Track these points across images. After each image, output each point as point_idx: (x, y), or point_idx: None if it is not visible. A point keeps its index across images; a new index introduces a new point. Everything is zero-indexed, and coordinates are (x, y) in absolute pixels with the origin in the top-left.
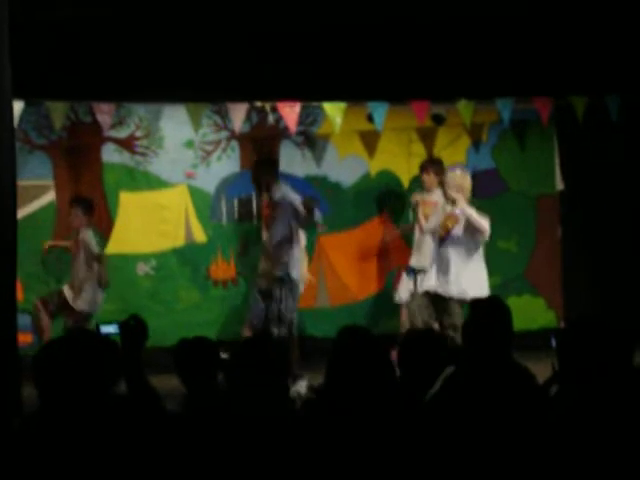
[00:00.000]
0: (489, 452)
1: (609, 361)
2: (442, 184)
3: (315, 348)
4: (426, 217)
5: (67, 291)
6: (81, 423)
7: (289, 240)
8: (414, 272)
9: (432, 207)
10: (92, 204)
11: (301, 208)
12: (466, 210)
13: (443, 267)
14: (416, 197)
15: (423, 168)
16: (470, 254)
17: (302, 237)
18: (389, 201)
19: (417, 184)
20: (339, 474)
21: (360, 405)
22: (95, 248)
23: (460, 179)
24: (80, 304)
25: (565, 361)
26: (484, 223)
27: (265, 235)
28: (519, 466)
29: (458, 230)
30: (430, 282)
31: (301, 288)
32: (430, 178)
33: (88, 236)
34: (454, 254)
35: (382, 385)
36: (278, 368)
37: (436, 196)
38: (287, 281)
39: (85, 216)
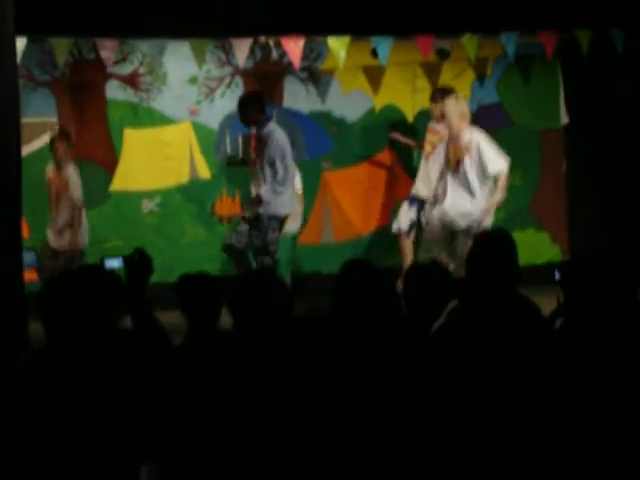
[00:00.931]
0: (494, 383)
1: (614, 294)
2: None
3: (320, 284)
4: (431, 145)
5: (50, 234)
6: (87, 357)
7: (274, 177)
8: (417, 202)
9: (438, 136)
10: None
11: (287, 145)
12: (474, 138)
13: (455, 198)
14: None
15: (433, 97)
16: (482, 185)
17: (295, 176)
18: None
19: (421, 119)
20: (344, 402)
21: (365, 337)
22: (80, 194)
23: (461, 106)
24: (63, 243)
25: (570, 294)
26: (492, 157)
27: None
28: (524, 398)
29: (468, 160)
30: (442, 214)
31: (294, 225)
32: (439, 107)
33: (74, 175)
34: (464, 186)
35: (386, 317)
36: (279, 296)
37: (444, 127)
38: (272, 217)
39: (69, 151)
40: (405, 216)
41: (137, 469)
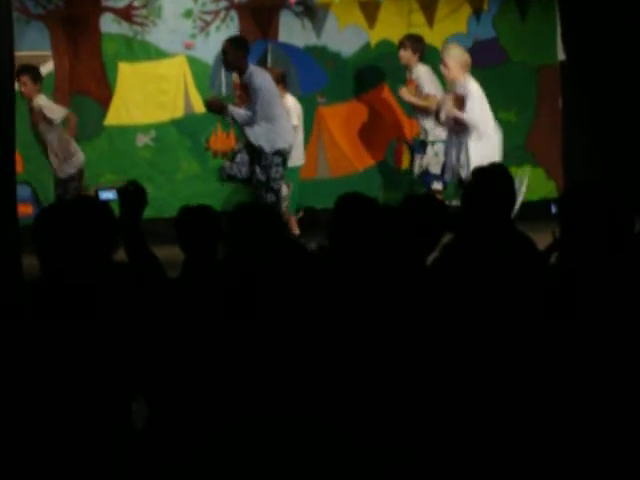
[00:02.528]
0: (489, 317)
1: (610, 228)
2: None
3: (314, 220)
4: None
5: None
6: (81, 289)
7: (257, 120)
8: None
9: (413, 86)
10: (39, 71)
11: (265, 85)
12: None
13: (462, 152)
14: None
15: (401, 44)
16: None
17: (293, 110)
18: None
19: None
20: (339, 333)
21: (360, 269)
22: (54, 113)
23: (465, 56)
24: (67, 168)
25: (566, 226)
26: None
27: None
28: (520, 332)
29: (470, 108)
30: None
31: (299, 157)
32: (407, 54)
33: (43, 101)
34: (469, 136)
35: (383, 248)
36: (276, 228)
37: (415, 74)
38: (275, 152)
39: (35, 84)
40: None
41: (129, 404)
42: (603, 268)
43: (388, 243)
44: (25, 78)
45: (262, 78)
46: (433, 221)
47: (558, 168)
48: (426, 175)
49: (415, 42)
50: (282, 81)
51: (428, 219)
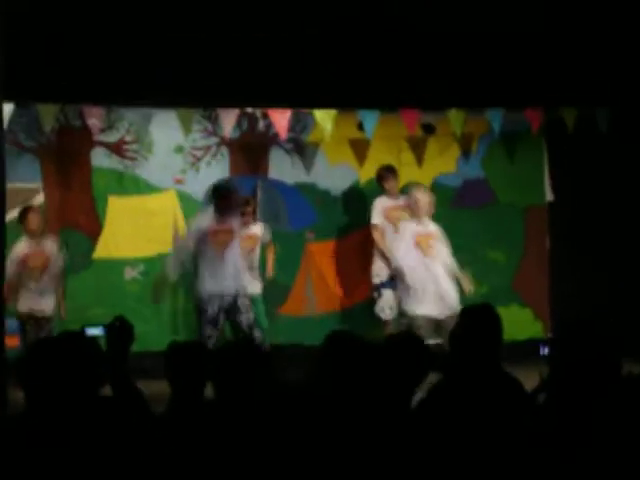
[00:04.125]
0: (478, 458)
1: (599, 368)
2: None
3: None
4: (398, 220)
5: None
6: (67, 424)
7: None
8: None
9: (399, 212)
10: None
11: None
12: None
13: (435, 287)
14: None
15: (381, 176)
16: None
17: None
18: None
19: (406, 193)
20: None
21: (346, 407)
22: (60, 267)
23: (430, 196)
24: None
25: (556, 367)
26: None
27: None
28: (508, 473)
29: (440, 246)
30: (429, 306)
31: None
32: (396, 184)
33: (56, 250)
34: (441, 271)
35: (368, 389)
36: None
37: (402, 201)
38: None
39: (44, 222)
40: (387, 303)
41: None
42: (591, 410)
43: (374, 381)
44: (34, 216)
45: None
46: (415, 360)
47: (545, 308)
48: None
49: (395, 172)
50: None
51: (409, 358)
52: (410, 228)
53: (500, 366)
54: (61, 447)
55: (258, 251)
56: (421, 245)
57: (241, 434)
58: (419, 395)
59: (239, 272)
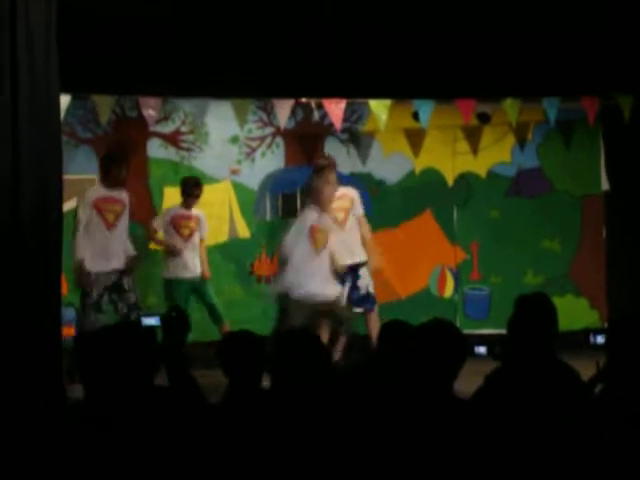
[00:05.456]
0: (535, 448)
1: None
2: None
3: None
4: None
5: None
6: (124, 414)
7: None
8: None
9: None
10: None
11: None
12: None
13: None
14: None
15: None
16: None
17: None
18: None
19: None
20: (383, 463)
21: (400, 395)
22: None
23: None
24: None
25: (613, 357)
26: None
27: None
28: (564, 461)
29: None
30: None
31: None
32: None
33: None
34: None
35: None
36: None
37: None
38: None
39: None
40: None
41: None
42: None
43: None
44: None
45: None
46: (448, 348)
47: (602, 298)
48: None
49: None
50: None
51: (444, 346)
52: None
53: (556, 355)
54: (119, 436)
55: None
56: None
57: (298, 423)
58: (478, 384)
59: None
